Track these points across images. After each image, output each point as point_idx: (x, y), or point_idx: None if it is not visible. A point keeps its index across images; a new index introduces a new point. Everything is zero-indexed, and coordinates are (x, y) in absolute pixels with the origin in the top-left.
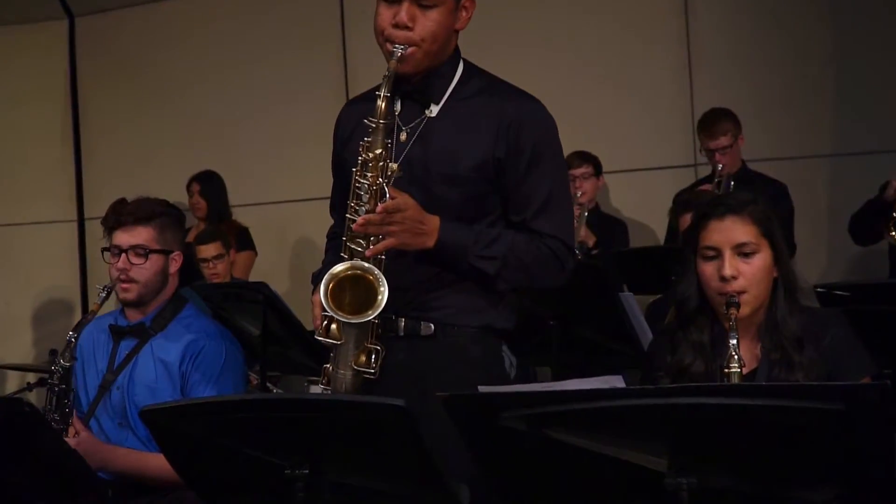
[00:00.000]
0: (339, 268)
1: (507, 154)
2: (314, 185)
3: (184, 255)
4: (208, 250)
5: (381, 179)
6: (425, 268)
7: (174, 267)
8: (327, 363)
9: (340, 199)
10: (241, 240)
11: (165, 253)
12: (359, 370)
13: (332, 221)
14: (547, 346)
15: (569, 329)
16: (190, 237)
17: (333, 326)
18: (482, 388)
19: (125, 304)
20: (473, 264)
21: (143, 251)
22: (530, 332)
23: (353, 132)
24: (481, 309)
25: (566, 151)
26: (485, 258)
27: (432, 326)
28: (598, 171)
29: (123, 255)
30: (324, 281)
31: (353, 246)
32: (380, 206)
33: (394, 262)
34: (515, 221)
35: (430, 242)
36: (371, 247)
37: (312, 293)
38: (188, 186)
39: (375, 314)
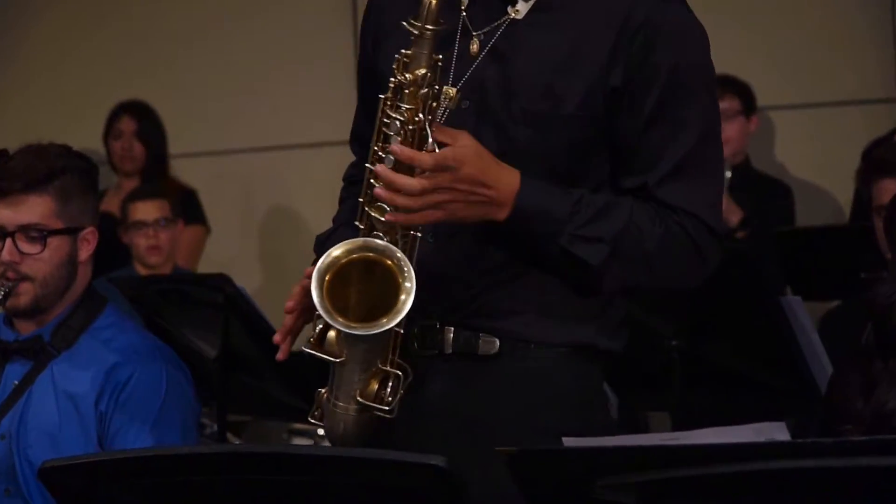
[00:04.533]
0: (340, 249)
1: (628, 82)
2: (298, 126)
3: (99, 231)
4: (148, 210)
5: (421, 116)
6: (489, 250)
7: (86, 251)
8: (323, 387)
9: (365, 124)
10: (186, 208)
11: (72, 232)
12: (366, 404)
13: (336, 180)
14: (665, 378)
15: (699, 352)
16: (110, 204)
17: (331, 334)
18: (568, 441)
19: (14, 312)
20: (568, 248)
21: (39, 233)
22: (640, 358)
23: (393, 28)
24: (575, 318)
25: None
26: (586, 240)
27: (497, 342)
28: (748, 107)
29: (8, 240)
30: (317, 270)
31: (373, 213)
32: (418, 165)
33: (439, 240)
34: (630, 188)
35: (501, 213)
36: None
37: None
38: (112, 123)
39: (394, 323)
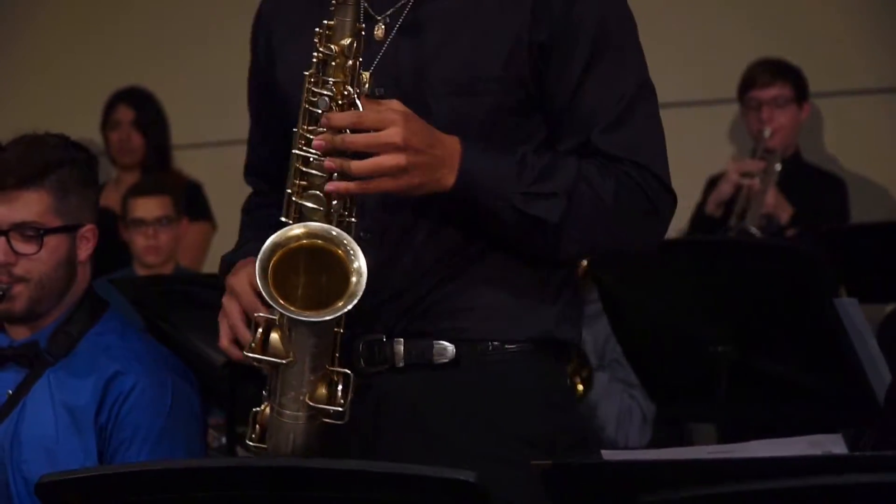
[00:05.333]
0: (284, 234)
1: (554, 37)
2: None
3: (99, 228)
4: (149, 207)
5: (349, 88)
6: (432, 241)
7: (85, 250)
8: (259, 403)
9: (265, 153)
10: (191, 203)
11: (70, 230)
12: (319, 407)
13: None
14: (710, 387)
15: (747, 359)
16: (109, 199)
17: (274, 336)
18: (608, 454)
19: (8, 317)
20: (522, 209)
21: (35, 231)
22: (682, 366)
23: (290, 33)
24: (531, 308)
25: (743, 55)
26: (540, 196)
27: (452, 348)
28: (800, 94)
29: (1, 239)
30: (261, 254)
31: (305, 203)
32: (359, 124)
33: (374, 236)
34: (571, 149)
35: (450, 178)
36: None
37: (224, 283)
38: (109, 113)
39: (350, 306)
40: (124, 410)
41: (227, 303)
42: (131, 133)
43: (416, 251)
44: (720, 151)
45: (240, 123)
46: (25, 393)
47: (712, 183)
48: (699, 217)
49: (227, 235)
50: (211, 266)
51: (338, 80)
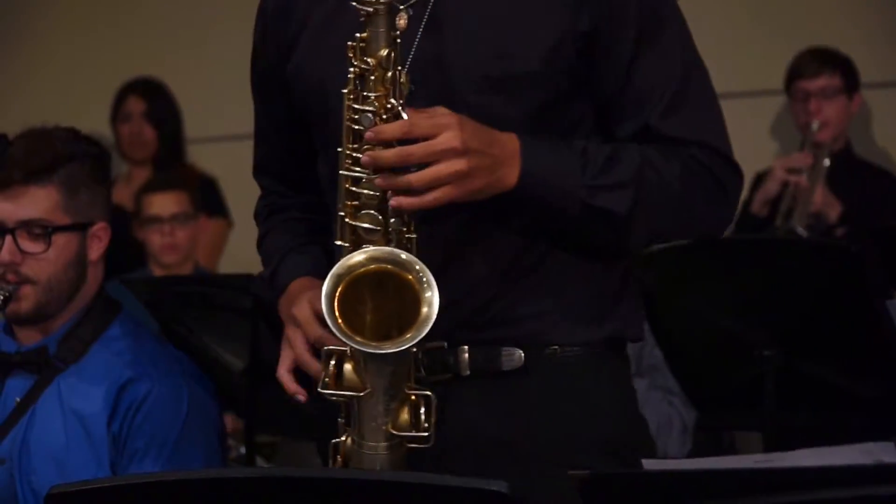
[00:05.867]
0: (347, 263)
1: (597, 24)
2: None
3: (112, 227)
4: (164, 203)
5: (393, 101)
6: (494, 244)
7: (96, 250)
8: (338, 434)
9: (276, 149)
10: (206, 199)
11: (80, 228)
12: (403, 436)
13: None
14: (755, 393)
15: (794, 364)
16: (120, 195)
17: (348, 368)
18: (649, 463)
19: (15, 319)
20: (590, 202)
21: (43, 230)
22: (726, 371)
23: (304, 26)
24: (598, 308)
25: (790, 44)
26: (608, 188)
27: (521, 354)
28: (850, 84)
29: (8, 237)
30: (326, 285)
31: (362, 223)
32: (411, 133)
33: (427, 242)
34: (629, 135)
35: (512, 175)
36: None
37: (279, 307)
38: (119, 105)
39: (422, 334)
40: (138, 418)
41: (292, 334)
42: (143, 126)
43: (472, 258)
44: (765, 146)
45: (251, 117)
46: (34, 400)
47: (758, 180)
48: (744, 216)
49: (243, 233)
50: (227, 265)
51: (379, 93)
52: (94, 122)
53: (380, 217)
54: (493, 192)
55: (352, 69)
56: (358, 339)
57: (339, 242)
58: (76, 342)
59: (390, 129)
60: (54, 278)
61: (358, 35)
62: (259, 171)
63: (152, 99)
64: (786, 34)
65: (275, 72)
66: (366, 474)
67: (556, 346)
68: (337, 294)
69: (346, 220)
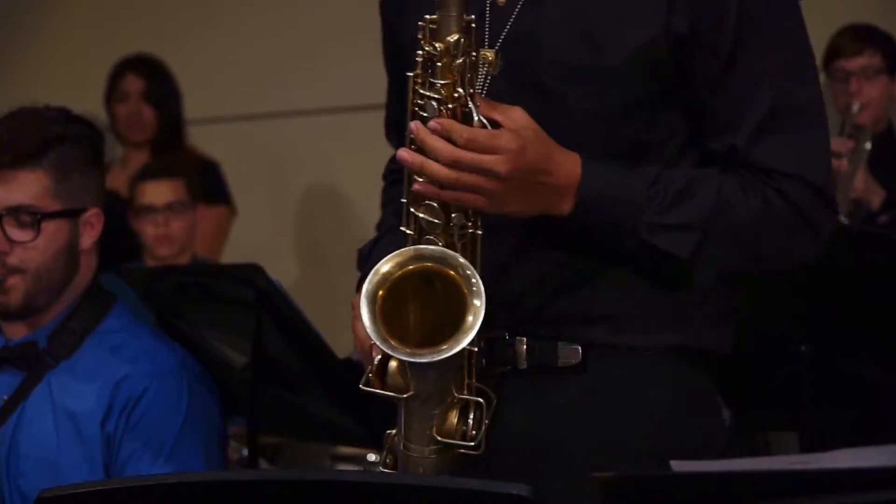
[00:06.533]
0: (388, 264)
1: (695, 27)
2: (339, 86)
3: (106, 214)
4: (159, 191)
5: (461, 90)
6: (556, 246)
7: (89, 238)
8: (391, 427)
9: (400, 112)
10: (208, 185)
11: (72, 214)
12: (447, 442)
13: (386, 151)
14: (791, 391)
15: (833, 360)
16: (116, 181)
17: (393, 364)
18: (677, 465)
19: (3, 313)
20: (647, 239)
21: (32, 216)
22: (760, 367)
23: None
24: (668, 316)
25: (828, 21)
26: (671, 228)
27: (579, 350)
28: (893, 63)
29: None
30: (365, 292)
31: (421, 214)
32: (468, 143)
33: (492, 234)
34: (719, 151)
35: (565, 205)
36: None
37: (357, 290)
38: (115, 83)
39: (462, 345)
40: (134, 417)
41: (354, 324)
42: (141, 106)
43: (536, 254)
44: None
45: (261, 95)
46: (23, 399)
47: None
48: None
49: (247, 220)
50: (230, 255)
51: (446, 82)
52: (88, 101)
53: (440, 209)
54: (538, 213)
55: (420, 52)
56: (392, 343)
57: (404, 228)
58: (68, 336)
59: (455, 131)
60: (44, 268)
61: (427, 17)
62: (387, 130)
63: (151, 77)
64: (823, 10)
65: (393, 39)
66: (378, 477)
67: (618, 347)
68: (378, 297)
69: (409, 208)
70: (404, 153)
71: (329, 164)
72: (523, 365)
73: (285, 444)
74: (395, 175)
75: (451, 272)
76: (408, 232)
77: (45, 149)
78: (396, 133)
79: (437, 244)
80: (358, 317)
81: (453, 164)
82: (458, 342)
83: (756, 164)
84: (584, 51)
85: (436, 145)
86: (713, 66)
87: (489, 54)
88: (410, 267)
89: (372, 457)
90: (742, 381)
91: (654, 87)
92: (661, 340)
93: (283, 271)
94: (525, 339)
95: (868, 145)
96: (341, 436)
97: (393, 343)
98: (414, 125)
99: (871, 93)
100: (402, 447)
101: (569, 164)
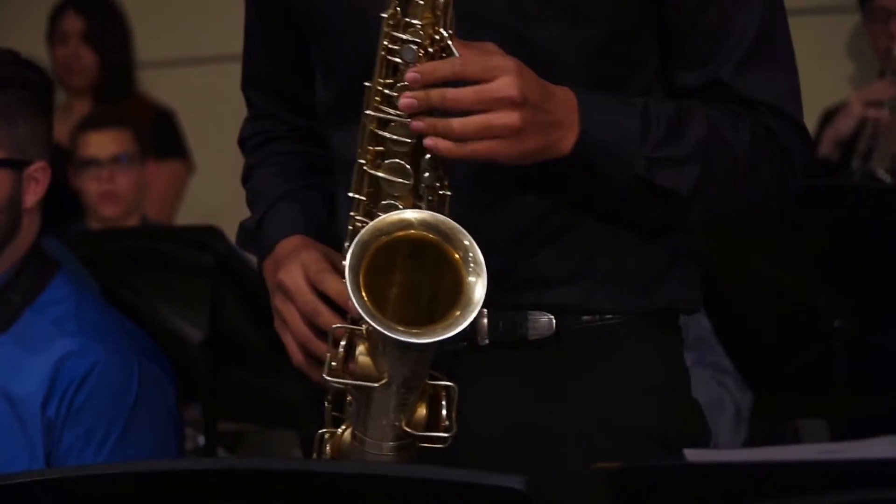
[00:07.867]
0: (375, 225)
1: None
2: None
3: (52, 166)
4: (103, 143)
5: (442, 31)
6: (524, 199)
7: (33, 194)
8: (335, 425)
9: (271, 57)
10: (161, 137)
11: (16, 165)
12: (418, 435)
13: None
14: (823, 372)
15: (870, 337)
16: (56, 131)
17: (361, 350)
18: (692, 454)
19: None
20: (647, 177)
21: None
22: (789, 346)
23: None
24: (645, 275)
25: None
26: (671, 163)
27: (552, 320)
28: None
29: None
30: (350, 254)
31: (383, 174)
32: (463, 74)
33: (458, 193)
34: (695, 86)
35: (569, 139)
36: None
37: (260, 273)
38: (55, 23)
39: (466, 322)
40: (79, 400)
41: (283, 308)
42: (80, 48)
43: (501, 212)
44: (837, 74)
45: (223, 36)
46: None
47: (828, 117)
48: (812, 160)
49: (205, 176)
50: (186, 216)
51: (426, 21)
52: (28, 42)
53: (409, 169)
54: (544, 157)
55: None
56: (388, 323)
57: (351, 194)
58: (4, 307)
59: (437, 70)
60: None
61: None
62: (248, 83)
63: (93, 16)
64: None
65: None
66: (353, 468)
67: (593, 315)
68: (363, 265)
69: (366, 168)
70: (409, 99)
71: None
72: (484, 341)
73: (247, 430)
74: (264, 136)
75: (446, 242)
76: (358, 197)
77: None
78: (256, 86)
79: (398, 208)
80: (281, 299)
81: (454, 105)
82: (463, 318)
83: (743, 96)
84: None
85: (435, 98)
86: None
87: None
88: (403, 234)
89: None
90: (767, 361)
91: (634, 18)
92: (640, 302)
93: None
94: (486, 311)
95: None
96: (309, 420)
97: (390, 323)
98: (415, 75)
99: None
100: (357, 444)
101: (562, 94)
